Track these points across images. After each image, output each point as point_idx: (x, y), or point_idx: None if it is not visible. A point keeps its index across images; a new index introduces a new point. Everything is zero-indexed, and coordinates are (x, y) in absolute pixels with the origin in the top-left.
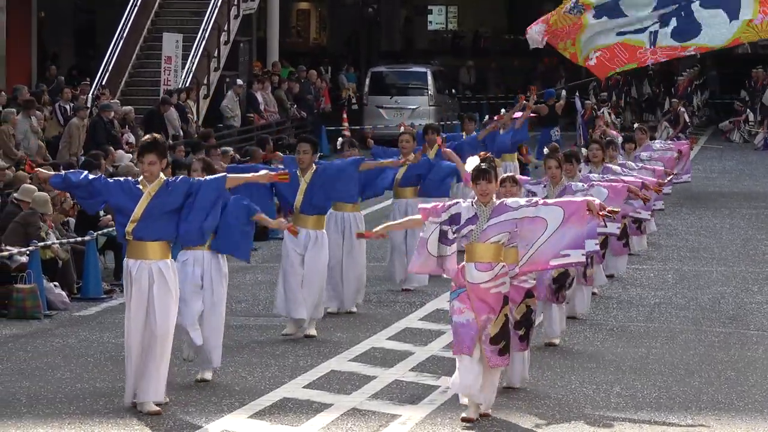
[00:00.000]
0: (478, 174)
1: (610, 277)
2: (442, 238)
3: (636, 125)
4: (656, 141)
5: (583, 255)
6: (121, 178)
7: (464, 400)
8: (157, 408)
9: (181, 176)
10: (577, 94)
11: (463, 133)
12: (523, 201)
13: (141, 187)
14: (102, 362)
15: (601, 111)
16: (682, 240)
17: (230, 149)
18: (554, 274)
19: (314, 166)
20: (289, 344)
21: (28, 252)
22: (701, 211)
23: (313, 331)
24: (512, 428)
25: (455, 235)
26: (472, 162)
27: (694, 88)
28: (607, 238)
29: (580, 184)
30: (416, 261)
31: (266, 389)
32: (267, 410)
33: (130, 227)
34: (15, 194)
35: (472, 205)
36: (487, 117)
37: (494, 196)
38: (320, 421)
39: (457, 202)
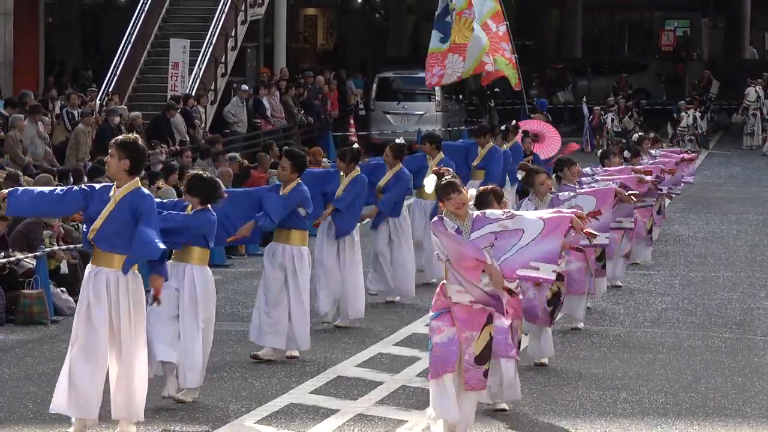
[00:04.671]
0: (445, 189)
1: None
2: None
3: (638, 134)
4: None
5: (553, 272)
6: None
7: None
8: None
9: (147, 194)
10: (584, 99)
11: (479, 146)
12: (500, 212)
13: (111, 193)
14: None
15: (607, 116)
16: (689, 246)
17: (237, 155)
18: (548, 296)
19: (298, 181)
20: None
21: (34, 257)
22: (708, 216)
23: (296, 352)
24: None
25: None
26: (431, 182)
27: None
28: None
29: (567, 193)
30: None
31: (273, 395)
32: (274, 416)
33: (91, 235)
34: None
35: (450, 220)
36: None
37: (470, 207)
38: (327, 427)
39: (442, 218)
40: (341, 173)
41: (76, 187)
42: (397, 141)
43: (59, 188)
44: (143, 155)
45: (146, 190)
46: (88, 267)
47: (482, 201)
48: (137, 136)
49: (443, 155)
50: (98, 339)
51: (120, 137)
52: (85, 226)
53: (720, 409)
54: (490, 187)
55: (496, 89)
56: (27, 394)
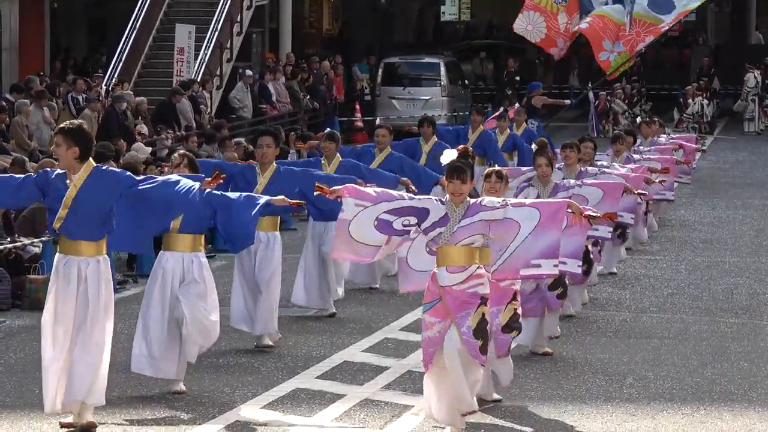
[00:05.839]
0: (452, 172)
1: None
2: (382, 226)
3: (639, 119)
4: (662, 136)
5: (555, 266)
6: (49, 170)
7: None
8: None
9: (111, 169)
10: (589, 85)
11: (470, 128)
12: (497, 201)
13: (68, 181)
14: (114, 353)
15: (615, 102)
16: (695, 231)
17: (243, 140)
18: (548, 282)
19: (275, 165)
20: (302, 335)
21: (41, 243)
22: (714, 201)
23: (268, 341)
24: (525, 418)
25: (407, 228)
26: (449, 155)
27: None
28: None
29: (572, 181)
30: (337, 242)
31: (279, 380)
32: (280, 401)
33: (57, 224)
34: None
35: (442, 203)
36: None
37: (468, 196)
38: (333, 412)
39: (429, 198)
40: (322, 160)
41: (32, 175)
42: (379, 123)
43: (14, 176)
44: (91, 139)
45: (104, 165)
46: (57, 256)
47: (487, 180)
48: (81, 121)
49: (436, 139)
50: (62, 331)
51: (64, 125)
52: (48, 214)
53: (726, 394)
54: (496, 168)
55: (516, 77)
56: (34, 379)
